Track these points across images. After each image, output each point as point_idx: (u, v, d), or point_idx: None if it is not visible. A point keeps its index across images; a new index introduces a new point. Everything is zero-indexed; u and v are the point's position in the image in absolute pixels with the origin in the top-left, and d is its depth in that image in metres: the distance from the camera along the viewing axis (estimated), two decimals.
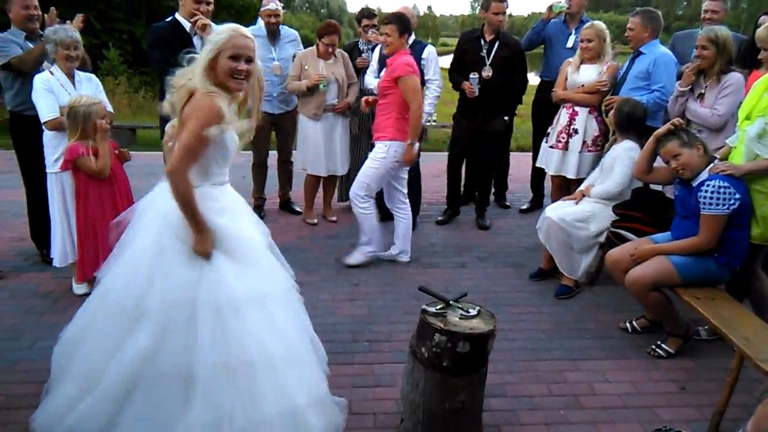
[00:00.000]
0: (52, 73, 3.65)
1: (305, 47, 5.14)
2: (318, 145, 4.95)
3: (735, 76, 3.54)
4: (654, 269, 3.11)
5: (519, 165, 6.59)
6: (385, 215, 5.31)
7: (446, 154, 5.60)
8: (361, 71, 5.12)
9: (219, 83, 2.24)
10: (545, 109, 4.83)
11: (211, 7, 4.16)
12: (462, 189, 5.54)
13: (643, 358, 3.24)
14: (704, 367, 3.15)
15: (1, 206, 5.48)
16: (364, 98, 4.49)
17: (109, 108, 3.87)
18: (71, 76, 3.72)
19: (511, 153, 6.01)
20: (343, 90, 4.90)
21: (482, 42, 4.83)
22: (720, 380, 2.84)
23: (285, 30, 5.14)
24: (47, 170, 3.72)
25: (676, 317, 3.24)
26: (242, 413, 2.13)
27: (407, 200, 4.45)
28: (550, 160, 4.59)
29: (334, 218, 5.35)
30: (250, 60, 2.25)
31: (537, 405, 2.82)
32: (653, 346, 3.27)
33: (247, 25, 4.95)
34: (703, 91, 3.66)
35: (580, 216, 3.82)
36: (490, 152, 5.13)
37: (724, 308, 2.88)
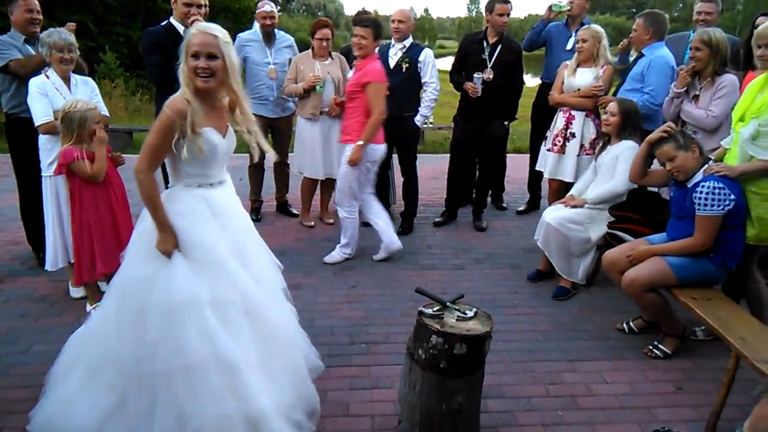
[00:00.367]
0: (47, 77, 3.65)
1: (302, 50, 5.15)
2: (315, 148, 4.96)
3: (729, 78, 3.55)
4: (650, 270, 3.11)
5: (516, 167, 6.60)
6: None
7: (443, 155, 5.61)
8: None
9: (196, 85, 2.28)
10: (545, 112, 4.84)
11: (203, 11, 4.16)
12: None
13: (640, 358, 3.24)
14: (701, 368, 3.16)
15: None
16: (332, 98, 4.56)
17: (105, 111, 3.87)
18: (67, 80, 3.72)
19: (507, 155, 6.02)
20: (339, 90, 4.90)
21: (485, 44, 4.84)
22: (717, 380, 2.84)
23: (281, 34, 5.15)
24: (42, 174, 3.72)
25: (672, 318, 3.24)
26: (200, 413, 2.15)
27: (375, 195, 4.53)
28: (546, 163, 4.60)
29: (331, 221, 5.35)
30: (213, 56, 2.24)
31: (534, 406, 2.82)
32: (650, 347, 3.28)
33: (243, 30, 4.97)
34: (697, 92, 3.68)
35: (578, 219, 3.82)
36: (488, 154, 5.14)
37: (721, 309, 2.89)
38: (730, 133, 3.21)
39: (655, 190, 3.83)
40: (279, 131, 5.26)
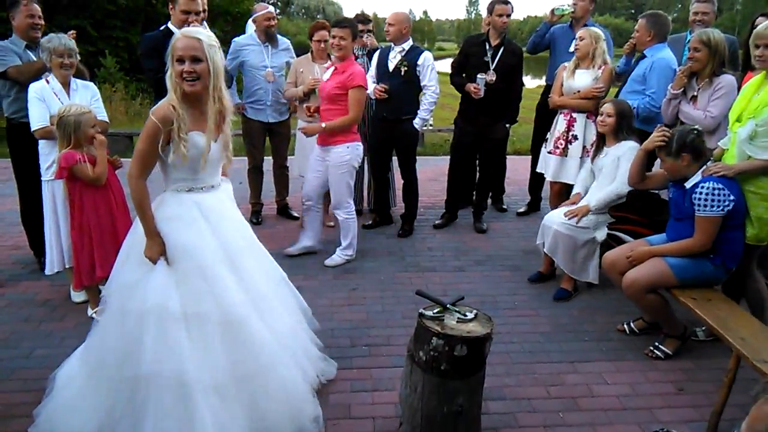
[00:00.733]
0: (47, 82, 3.67)
1: (303, 53, 5.16)
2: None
3: (727, 78, 3.55)
4: (650, 271, 3.12)
5: (516, 168, 6.61)
6: (383, 219, 5.34)
7: (443, 158, 5.61)
8: None
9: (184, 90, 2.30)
10: (549, 114, 4.81)
11: (200, 17, 4.17)
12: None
13: (640, 359, 3.24)
14: (702, 368, 3.16)
15: None
16: (306, 106, 4.53)
17: (104, 116, 3.88)
18: (67, 85, 3.73)
19: (507, 156, 6.03)
20: None
21: (487, 46, 4.85)
22: (717, 381, 2.84)
23: (278, 38, 5.16)
24: (42, 178, 3.73)
25: (673, 318, 3.25)
26: (152, 428, 2.17)
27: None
28: (548, 165, 4.60)
29: (331, 223, 5.35)
30: (197, 59, 2.25)
31: (535, 408, 2.82)
32: (651, 348, 3.28)
33: (241, 33, 4.96)
34: (695, 93, 3.68)
35: (585, 223, 3.80)
36: (488, 156, 5.14)
37: (721, 309, 2.89)
38: (727, 134, 3.22)
39: (655, 191, 3.84)
40: (278, 135, 5.27)
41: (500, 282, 4.24)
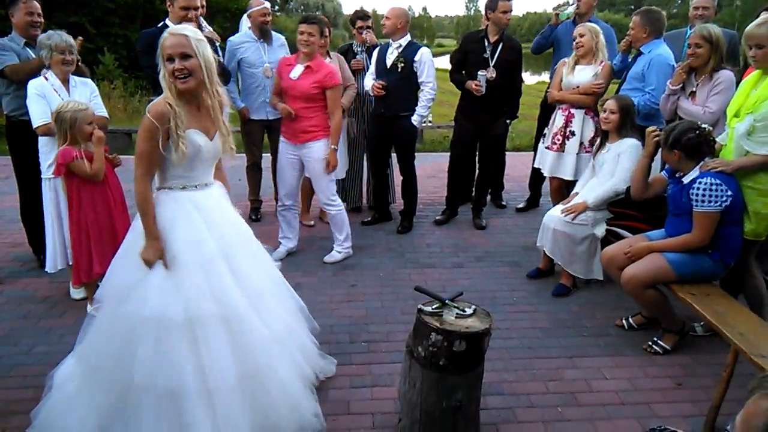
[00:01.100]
0: (46, 79, 3.66)
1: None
2: None
3: (726, 74, 3.55)
4: (649, 267, 3.12)
5: (515, 165, 6.61)
6: (382, 216, 5.34)
7: (442, 154, 5.61)
8: (356, 73, 5.13)
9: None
10: (552, 110, 4.79)
11: (199, 12, 4.17)
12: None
13: (639, 354, 3.25)
14: (700, 363, 3.17)
15: None
16: (284, 106, 4.27)
17: (103, 112, 3.89)
18: (66, 81, 3.73)
19: (507, 153, 6.03)
20: (339, 90, 4.89)
21: (486, 43, 4.83)
22: (716, 375, 2.85)
23: (273, 34, 5.13)
24: (42, 175, 3.73)
25: (671, 314, 3.25)
26: None
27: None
28: (545, 161, 4.60)
29: (311, 222, 5.35)
30: (186, 56, 2.25)
31: (534, 403, 2.83)
32: (649, 343, 3.29)
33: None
34: (694, 89, 3.68)
35: (583, 220, 3.79)
36: (488, 153, 5.14)
37: (719, 304, 2.89)
38: (725, 130, 3.22)
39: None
40: (277, 132, 5.23)
41: (499, 278, 4.24)
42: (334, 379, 2.94)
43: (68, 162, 3.33)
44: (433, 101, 5.01)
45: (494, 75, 4.76)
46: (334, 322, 3.57)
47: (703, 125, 3.10)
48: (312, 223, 5.30)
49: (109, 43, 15.78)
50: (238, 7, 18.33)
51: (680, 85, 3.73)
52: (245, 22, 5.10)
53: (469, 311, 2.41)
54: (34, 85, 3.63)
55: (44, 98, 3.60)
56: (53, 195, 3.65)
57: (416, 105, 4.85)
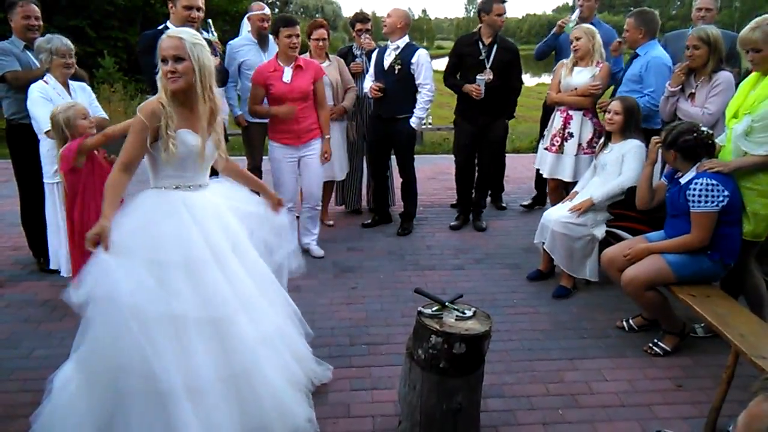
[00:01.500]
0: (46, 82, 3.67)
1: (301, 52, 5.15)
2: None
3: (725, 75, 3.56)
4: (649, 268, 3.12)
5: (515, 166, 6.61)
6: (382, 218, 5.34)
7: (442, 156, 5.61)
8: (356, 76, 5.13)
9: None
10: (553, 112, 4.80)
11: (201, 14, 4.19)
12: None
13: (640, 356, 3.25)
14: (700, 364, 3.16)
15: None
16: (288, 108, 4.19)
17: (102, 114, 3.89)
18: (66, 85, 3.74)
19: (507, 155, 6.03)
20: (337, 93, 4.90)
21: (480, 46, 4.84)
22: (716, 377, 2.84)
23: (270, 40, 5.13)
24: (45, 180, 3.73)
25: (672, 315, 3.25)
26: None
27: None
28: (545, 162, 4.60)
29: (331, 222, 5.37)
30: (179, 59, 2.29)
31: (535, 405, 2.83)
32: (650, 344, 3.28)
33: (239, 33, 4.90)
34: (693, 90, 3.68)
35: (582, 221, 3.80)
36: (489, 154, 5.14)
37: (720, 305, 2.89)
38: (724, 131, 3.23)
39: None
40: None
41: (499, 280, 4.24)
42: (334, 382, 2.94)
43: (75, 150, 3.29)
44: (432, 103, 5.01)
45: (491, 77, 4.77)
46: (335, 325, 3.57)
47: (702, 128, 3.11)
48: (332, 222, 5.33)
49: (108, 46, 15.79)
50: (237, 11, 18.36)
51: (679, 87, 3.74)
52: (246, 25, 5.11)
53: (469, 313, 2.41)
54: (38, 89, 3.63)
55: (50, 101, 3.60)
56: (55, 199, 3.65)
57: (414, 107, 4.85)
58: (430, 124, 9.49)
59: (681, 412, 2.77)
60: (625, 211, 3.75)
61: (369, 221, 5.33)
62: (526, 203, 5.81)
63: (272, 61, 4.28)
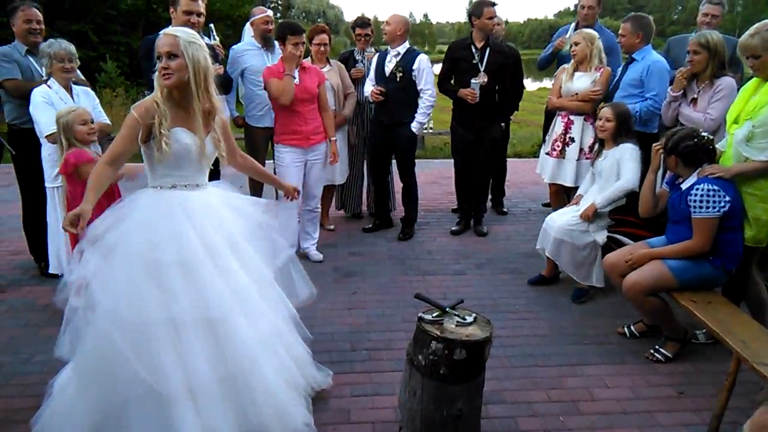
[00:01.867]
0: (49, 87, 3.68)
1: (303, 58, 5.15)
2: None
3: (727, 80, 3.56)
4: (650, 274, 3.11)
5: (516, 171, 6.61)
6: (383, 223, 5.34)
7: (443, 161, 5.61)
8: (356, 82, 5.14)
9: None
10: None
11: (201, 19, 4.21)
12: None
13: (641, 362, 3.24)
14: (702, 371, 3.15)
15: None
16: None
17: (106, 119, 3.90)
18: (68, 89, 3.75)
19: (508, 159, 6.03)
20: (338, 97, 4.91)
21: (473, 50, 4.85)
22: (718, 384, 2.83)
23: (275, 43, 5.15)
24: (46, 184, 3.74)
25: (673, 321, 3.24)
26: None
27: None
28: (546, 167, 4.60)
29: (332, 227, 5.37)
30: (173, 55, 2.31)
31: (536, 411, 2.82)
32: (651, 351, 3.27)
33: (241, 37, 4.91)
34: (695, 95, 3.68)
35: (583, 227, 3.80)
36: (486, 159, 5.14)
37: (721, 312, 2.88)
38: (724, 136, 3.22)
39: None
40: None
41: (500, 285, 4.24)
42: (334, 388, 2.92)
43: (81, 163, 3.31)
44: (433, 107, 5.02)
45: (486, 80, 4.79)
46: (335, 330, 3.56)
47: (703, 133, 3.11)
48: (332, 227, 5.33)
49: (111, 50, 15.87)
50: (240, 15, 18.42)
51: (681, 92, 3.74)
52: (248, 31, 5.12)
53: (469, 319, 2.40)
54: (40, 93, 3.65)
55: (52, 106, 3.61)
56: (56, 204, 3.65)
57: (416, 112, 4.85)
58: (431, 128, 9.50)
59: (682, 419, 2.76)
60: (626, 216, 3.75)
61: (370, 226, 5.33)
62: (546, 202, 5.77)
63: (279, 64, 4.28)
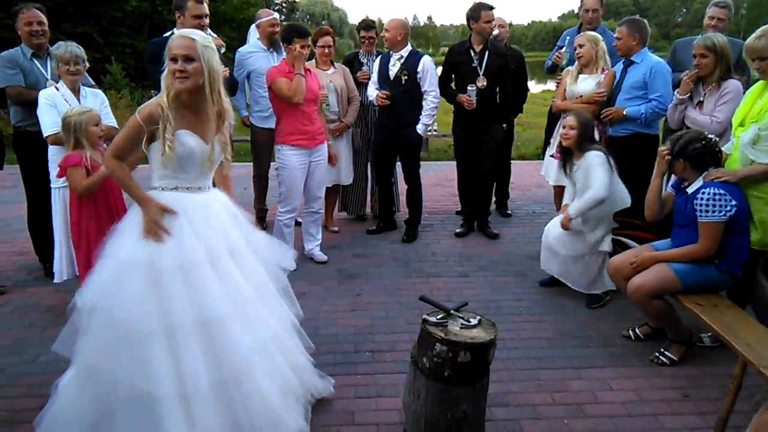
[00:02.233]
0: (57, 89, 3.71)
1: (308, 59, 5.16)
2: None
3: (733, 83, 3.55)
4: (656, 277, 3.10)
5: (520, 173, 6.60)
6: (387, 225, 5.34)
7: (447, 163, 5.61)
8: (362, 85, 5.14)
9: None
10: (559, 119, 4.79)
11: (208, 20, 4.23)
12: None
13: (646, 365, 3.23)
14: (707, 374, 3.14)
15: (5, 221, 5.52)
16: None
17: (113, 122, 3.91)
18: (76, 91, 3.77)
19: (512, 161, 6.02)
20: (342, 100, 4.92)
21: (472, 53, 4.86)
22: (723, 387, 2.82)
23: (281, 44, 5.16)
24: (52, 185, 3.75)
25: (678, 324, 3.23)
26: None
27: None
28: (550, 169, 4.60)
29: (335, 228, 5.37)
30: (190, 59, 2.28)
31: (540, 414, 2.81)
32: (656, 354, 3.26)
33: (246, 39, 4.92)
34: (701, 98, 3.68)
35: (578, 231, 3.79)
36: (487, 161, 5.12)
37: (726, 315, 2.87)
38: (730, 139, 3.21)
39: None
40: None
41: (504, 288, 4.23)
42: (338, 390, 2.92)
43: (67, 166, 3.33)
44: (437, 109, 5.03)
45: (485, 83, 4.79)
46: (339, 332, 3.56)
47: (710, 136, 3.09)
48: (336, 228, 5.34)
49: (116, 52, 15.92)
50: (244, 18, 18.47)
51: (688, 95, 3.73)
52: (253, 33, 5.14)
53: (474, 321, 2.40)
54: (45, 95, 3.68)
55: (55, 107, 3.63)
56: (62, 205, 3.66)
57: (420, 114, 4.86)
58: (435, 130, 9.49)
59: (688, 423, 2.75)
60: (631, 219, 3.74)
61: (374, 228, 5.33)
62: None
63: (283, 64, 4.29)
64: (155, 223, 2.29)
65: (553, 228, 3.94)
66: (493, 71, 4.82)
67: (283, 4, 33.15)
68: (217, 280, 2.33)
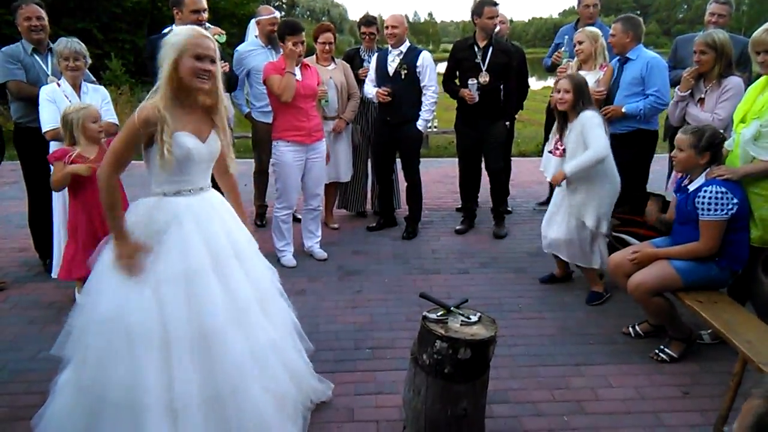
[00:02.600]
0: (58, 85, 3.71)
1: (308, 55, 5.15)
2: None
3: (734, 80, 3.54)
4: (656, 274, 3.10)
5: (520, 170, 6.59)
6: (387, 221, 5.34)
7: (448, 159, 5.61)
8: (363, 82, 5.13)
9: (182, 86, 2.26)
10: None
11: (206, 15, 4.22)
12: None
13: (646, 362, 3.22)
14: (708, 371, 3.14)
15: (5, 217, 5.52)
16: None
17: (114, 119, 3.90)
18: (77, 87, 3.76)
19: (512, 158, 6.00)
20: (342, 96, 4.91)
21: (476, 49, 4.85)
22: (724, 384, 2.82)
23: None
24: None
25: (678, 321, 3.23)
26: None
27: None
28: (548, 165, 4.58)
29: (335, 225, 5.37)
30: (213, 61, 2.28)
31: (540, 411, 2.81)
32: (656, 351, 3.26)
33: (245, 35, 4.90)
34: (703, 95, 3.66)
35: (573, 213, 3.78)
36: (493, 157, 5.10)
37: (727, 312, 2.87)
38: (731, 135, 3.21)
39: (661, 192, 3.81)
40: None
41: (505, 284, 4.23)
42: (338, 387, 2.92)
43: (53, 159, 3.32)
44: (437, 104, 5.02)
45: (487, 79, 4.78)
46: (339, 329, 3.56)
47: (720, 130, 3.09)
48: (336, 225, 5.33)
49: (116, 48, 15.89)
50: (244, 13, 18.42)
51: (689, 92, 3.71)
52: (252, 29, 5.13)
53: (474, 318, 2.40)
54: (45, 91, 3.68)
55: (54, 103, 3.63)
56: (62, 202, 3.66)
57: (420, 110, 4.85)
58: (435, 127, 9.49)
59: (688, 420, 2.75)
60: (632, 216, 3.73)
61: (374, 225, 5.33)
62: (542, 201, 5.80)
63: (281, 60, 4.28)
64: (126, 263, 2.22)
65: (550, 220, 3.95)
66: (496, 67, 4.81)
67: (284, 0, 33.08)
68: (219, 287, 2.29)
